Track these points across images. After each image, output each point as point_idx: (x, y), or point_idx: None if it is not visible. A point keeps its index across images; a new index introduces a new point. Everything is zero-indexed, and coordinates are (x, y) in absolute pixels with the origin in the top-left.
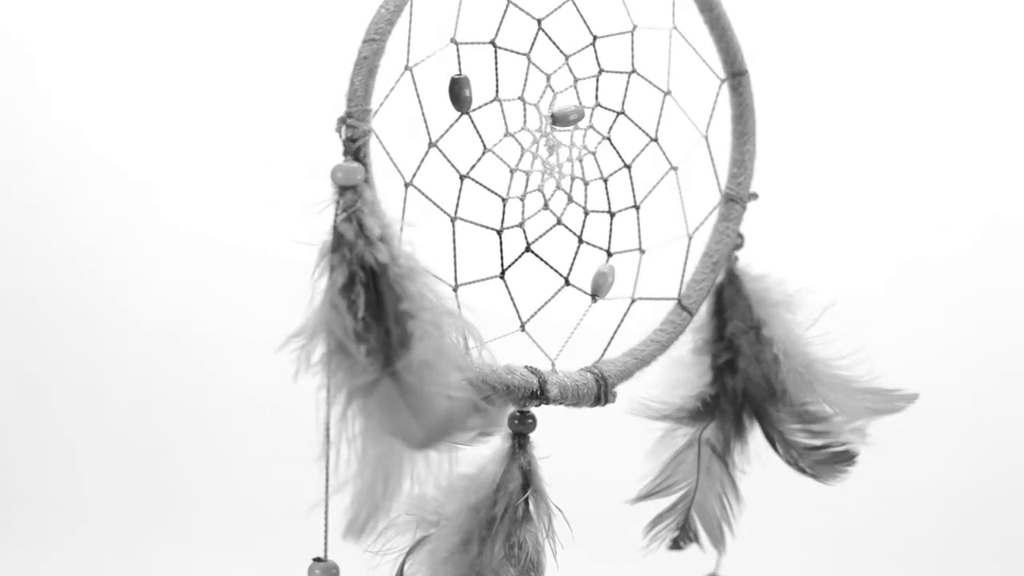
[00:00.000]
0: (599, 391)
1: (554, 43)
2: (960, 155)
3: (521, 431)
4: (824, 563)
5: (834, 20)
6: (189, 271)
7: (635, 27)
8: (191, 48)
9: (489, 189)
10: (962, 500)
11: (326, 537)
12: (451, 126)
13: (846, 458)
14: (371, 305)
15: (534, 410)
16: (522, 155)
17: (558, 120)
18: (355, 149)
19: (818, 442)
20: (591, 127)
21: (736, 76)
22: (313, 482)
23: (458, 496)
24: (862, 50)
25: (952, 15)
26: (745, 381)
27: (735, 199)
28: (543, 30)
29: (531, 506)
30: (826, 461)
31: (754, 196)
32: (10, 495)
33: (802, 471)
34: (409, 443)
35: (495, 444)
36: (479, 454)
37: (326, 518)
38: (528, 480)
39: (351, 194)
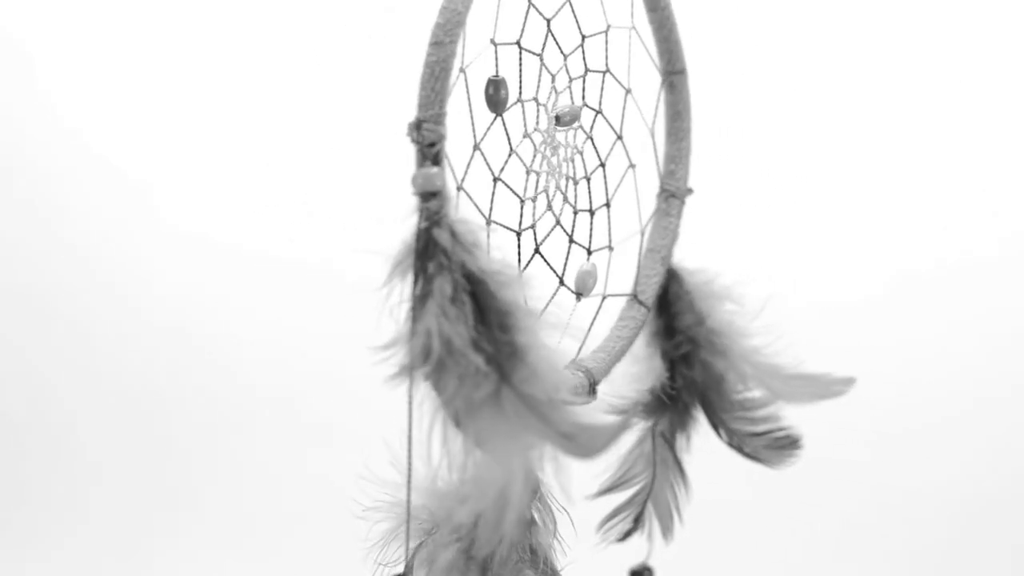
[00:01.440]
0: (589, 389)
1: (557, 43)
2: (938, 158)
3: None
4: (823, 563)
5: (814, 23)
6: (190, 271)
7: (608, 27)
8: (190, 49)
9: (513, 190)
10: (960, 504)
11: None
12: (489, 128)
13: (789, 443)
14: (478, 314)
15: None
16: (535, 156)
17: (561, 120)
18: (433, 154)
19: (759, 428)
20: (580, 126)
21: (674, 74)
22: (314, 482)
23: (456, 502)
24: (836, 53)
25: (929, 14)
26: (704, 373)
27: (674, 194)
28: (551, 32)
29: (537, 510)
30: (770, 446)
31: (690, 191)
32: (7, 495)
33: (747, 456)
34: (572, 453)
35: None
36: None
37: (407, 533)
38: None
39: (436, 200)
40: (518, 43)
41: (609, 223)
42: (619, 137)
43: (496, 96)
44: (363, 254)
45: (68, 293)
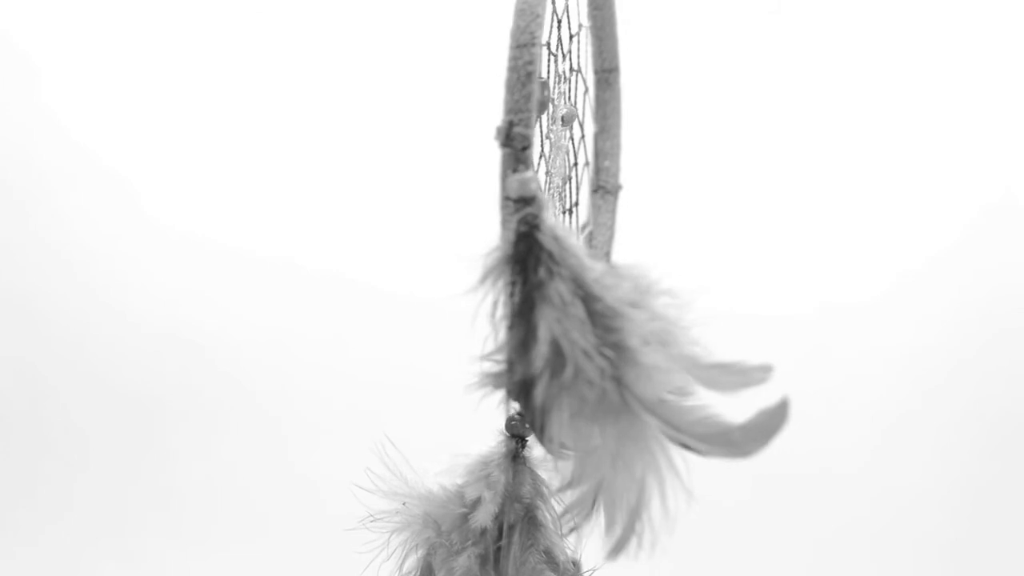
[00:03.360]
0: None
1: (561, 43)
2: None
3: (521, 434)
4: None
5: (771, 25)
6: (185, 271)
7: (581, 26)
8: (189, 49)
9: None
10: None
11: None
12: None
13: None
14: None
15: None
16: (549, 156)
17: (566, 121)
18: (525, 158)
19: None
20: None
21: (608, 72)
22: (309, 482)
23: (459, 506)
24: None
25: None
26: None
27: (608, 190)
28: (563, 34)
29: (542, 510)
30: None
31: (620, 187)
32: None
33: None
34: (733, 453)
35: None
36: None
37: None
38: (536, 484)
39: (534, 205)
40: (547, 44)
41: (577, 221)
42: (583, 136)
43: (540, 97)
44: (363, 257)
45: (63, 293)
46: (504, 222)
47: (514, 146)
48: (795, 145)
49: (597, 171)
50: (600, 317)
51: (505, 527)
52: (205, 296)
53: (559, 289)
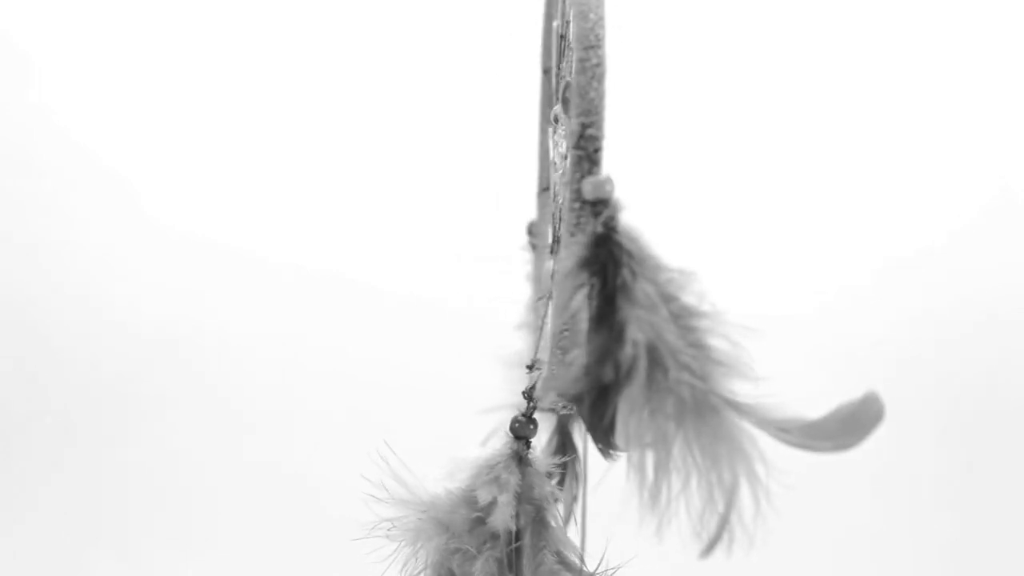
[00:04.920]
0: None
1: (569, 43)
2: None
3: (525, 435)
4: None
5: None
6: (185, 271)
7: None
8: (188, 49)
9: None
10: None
11: None
12: (565, 132)
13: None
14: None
15: None
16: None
17: (561, 121)
18: (598, 160)
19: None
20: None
21: (547, 72)
22: (309, 482)
23: (471, 510)
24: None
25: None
26: None
27: (547, 188)
28: (569, 40)
29: (550, 511)
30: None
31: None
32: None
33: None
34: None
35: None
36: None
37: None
38: (543, 485)
39: (610, 208)
40: (562, 35)
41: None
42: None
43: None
44: (363, 258)
45: (60, 294)
46: (576, 225)
47: (587, 148)
48: (791, 144)
49: (544, 169)
50: (678, 317)
51: (516, 529)
52: (205, 296)
53: (645, 290)
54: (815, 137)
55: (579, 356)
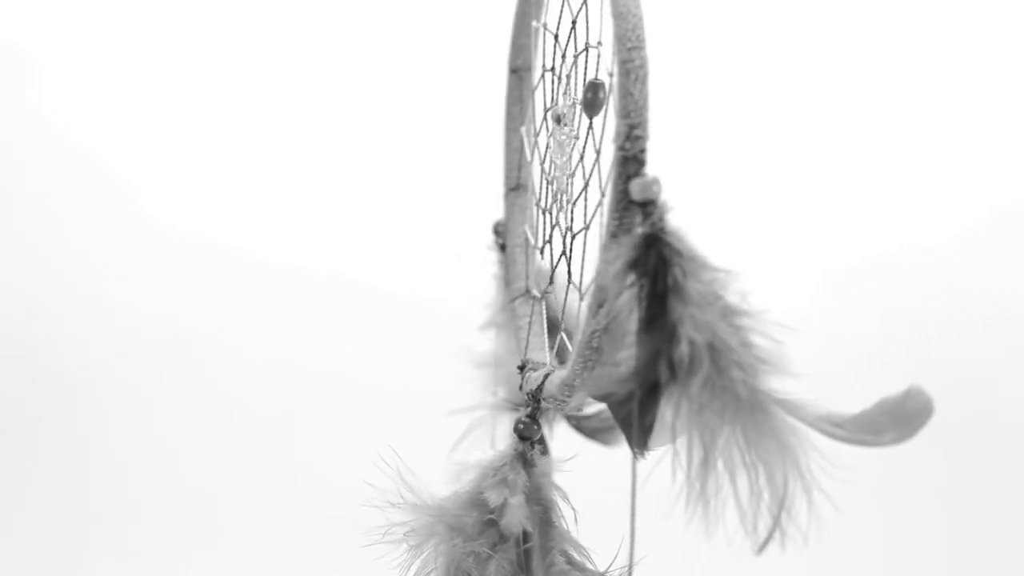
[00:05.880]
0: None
1: (575, 42)
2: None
3: (530, 436)
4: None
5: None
6: (185, 272)
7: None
8: (186, 49)
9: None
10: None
11: None
12: (587, 132)
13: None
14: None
15: None
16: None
17: (560, 120)
18: (645, 160)
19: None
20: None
21: (516, 71)
22: (309, 483)
23: (482, 513)
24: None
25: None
26: None
27: (523, 187)
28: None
29: (555, 512)
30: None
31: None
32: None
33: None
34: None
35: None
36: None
37: None
38: (548, 486)
39: (659, 208)
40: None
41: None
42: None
43: (595, 99)
44: (364, 258)
45: (60, 294)
46: (619, 227)
47: (633, 149)
48: (790, 144)
49: (518, 168)
50: (726, 316)
51: (524, 530)
52: (205, 297)
53: (698, 289)
54: (814, 137)
55: (629, 356)
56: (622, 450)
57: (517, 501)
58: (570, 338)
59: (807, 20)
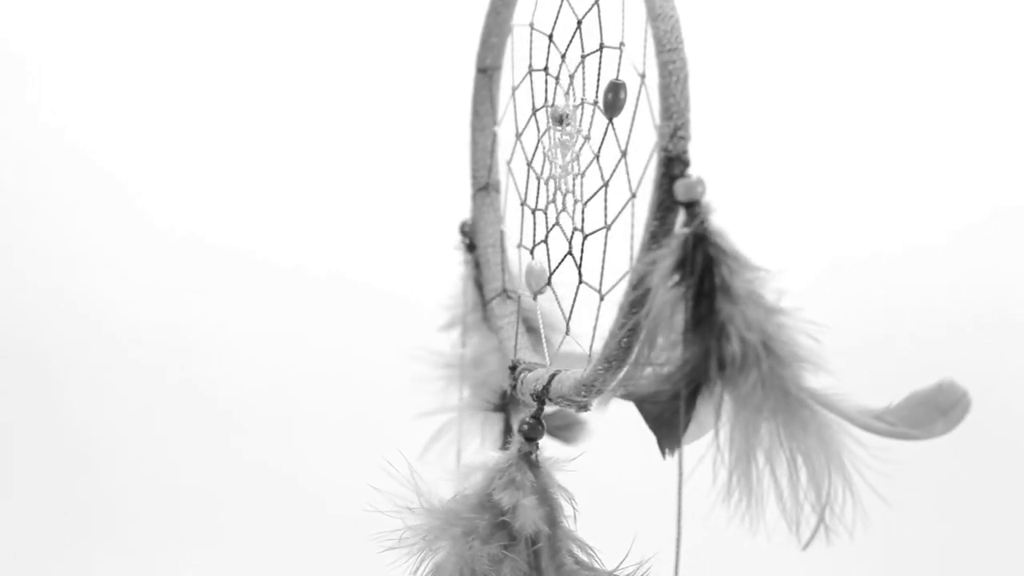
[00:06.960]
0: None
1: (582, 43)
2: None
3: (535, 437)
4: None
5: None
6: (185, 273)
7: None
8: (185, 49)
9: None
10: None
11: None
12: (604, 132)
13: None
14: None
15: None
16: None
17: (560, 120)
18: (688, 161)
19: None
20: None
21: (485, 71)
22: (309, 484)
23: (493, 514)
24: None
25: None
26: None
27: (494, 187)
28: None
29: (560, 512)
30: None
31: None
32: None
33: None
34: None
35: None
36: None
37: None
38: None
39: (703, 208)
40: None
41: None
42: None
43: (615, 100)
44: (364, 258)
45: (60, 295)
46: (660, 228)
47: (677, 150)
48: (791, 144)
49: (488, 168)
50: (770, 314)
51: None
52: (204, 297)
53: (744, 287)
54: (813, 137)
55: (674, 356)
56: (588, 448)
57: (530, 502)
58: (547, 339)
59: (807, 20)
